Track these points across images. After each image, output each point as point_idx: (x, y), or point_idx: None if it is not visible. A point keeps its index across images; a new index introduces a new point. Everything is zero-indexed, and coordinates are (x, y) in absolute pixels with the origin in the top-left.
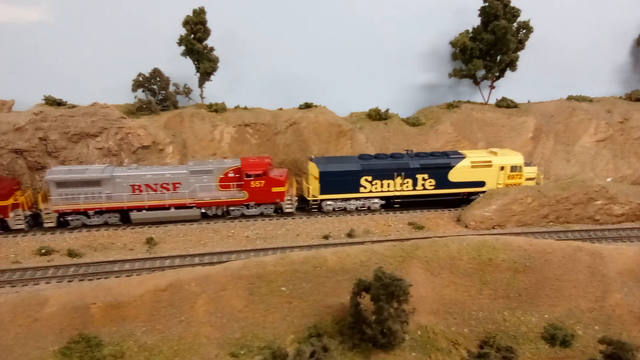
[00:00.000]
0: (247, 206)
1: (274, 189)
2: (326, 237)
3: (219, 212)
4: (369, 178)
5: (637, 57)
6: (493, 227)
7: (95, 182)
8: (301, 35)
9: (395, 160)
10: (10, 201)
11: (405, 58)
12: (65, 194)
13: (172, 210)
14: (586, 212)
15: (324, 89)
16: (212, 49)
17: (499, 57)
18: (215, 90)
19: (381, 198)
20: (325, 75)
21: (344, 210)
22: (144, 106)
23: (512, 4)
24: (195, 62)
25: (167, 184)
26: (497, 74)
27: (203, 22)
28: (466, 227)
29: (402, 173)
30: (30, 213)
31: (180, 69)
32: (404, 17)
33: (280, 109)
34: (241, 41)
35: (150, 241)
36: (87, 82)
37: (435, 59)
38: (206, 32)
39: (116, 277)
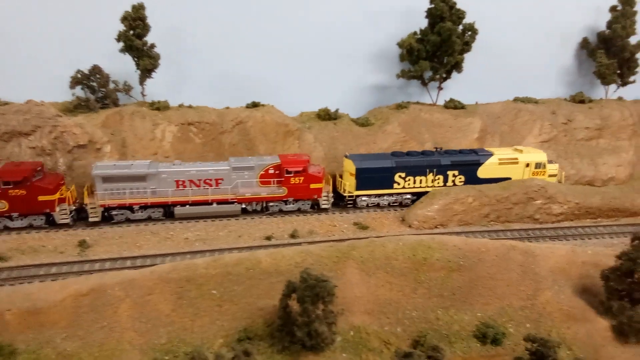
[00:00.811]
0: (286, 202)
1: (313, 186)
2: (269, 238)
3: (258, 208)
4: (403, 174)
5: (581, 60)
6: (436, 227)
7: (141, 178)
8: (250, 34)
9: (427, 157)
10: (57, 196)
11: (355, 59)
12: (111, 189)
13: (215, 205)
14: (526, 212)
15: (273, 88)
16: (152, 46)
17: (445, 59)
18: (159, 88)
19: (413, 194)
20: (275, 74)
21: (368, 207)
22: (83, 104)
23: (457, 6)
24: (135, 59)
25: (210, 179)
26: (444, 75)
27: (142, 18)
28: (410, 226)
29: (434, 169)
30: (75, 207)
31: (122, 66)
32: (354, 18)
33: (227, 107)
34: (187, 38)
35: (82, 244)
36: (24, 78)
37: (386, 60)
38: (145, 28)
39: (40, 281)
